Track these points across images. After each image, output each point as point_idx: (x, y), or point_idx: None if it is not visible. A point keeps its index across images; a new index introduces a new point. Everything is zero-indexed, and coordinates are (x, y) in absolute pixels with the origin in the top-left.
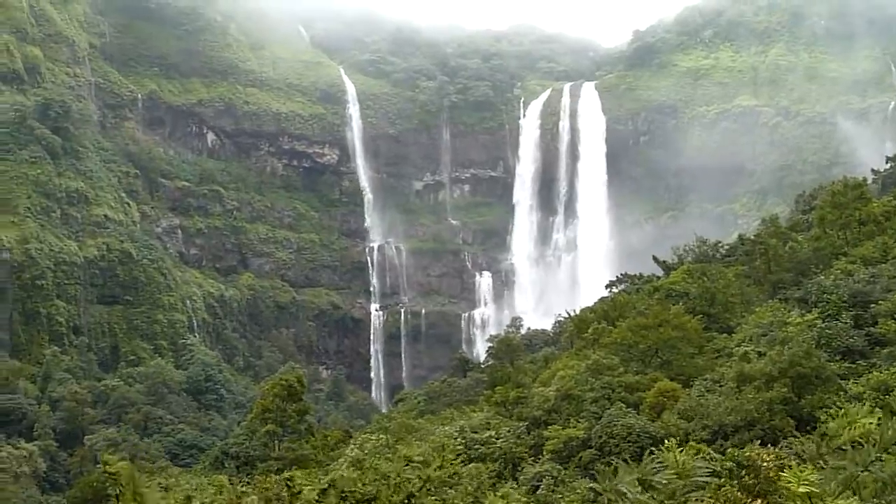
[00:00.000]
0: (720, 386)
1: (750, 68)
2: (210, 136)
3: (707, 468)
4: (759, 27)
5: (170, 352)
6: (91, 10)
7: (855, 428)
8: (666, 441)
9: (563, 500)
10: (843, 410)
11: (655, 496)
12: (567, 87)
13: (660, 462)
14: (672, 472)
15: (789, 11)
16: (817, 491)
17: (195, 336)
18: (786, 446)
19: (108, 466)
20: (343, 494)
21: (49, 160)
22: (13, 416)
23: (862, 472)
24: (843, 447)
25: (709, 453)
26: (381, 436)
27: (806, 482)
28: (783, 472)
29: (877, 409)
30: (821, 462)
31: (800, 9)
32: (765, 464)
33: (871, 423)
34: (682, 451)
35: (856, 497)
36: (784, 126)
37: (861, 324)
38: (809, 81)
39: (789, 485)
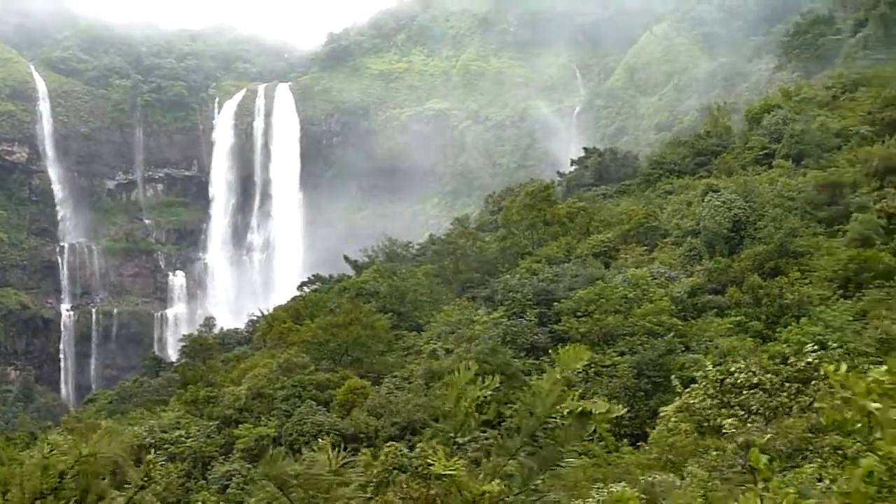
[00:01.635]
0: (409, 383)
1: (442, 72)
2: None
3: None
4: (451, 32)
5: None
6: None
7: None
8: (320, 439)
9: (252, 498)
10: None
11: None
12: (262, 87)
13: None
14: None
15: (480, 18)
16: (456, 474)
17: None
18: (472, 440)
19: None
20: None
21: None
22: None
23: (510, 458)
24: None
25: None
26: (67, 436)
27: (450, 466)
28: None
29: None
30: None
31: (490, 15)
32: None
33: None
34: (336, 449)
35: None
36: (474, 129)
37: (545, 321)
38: (499, 86)
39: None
